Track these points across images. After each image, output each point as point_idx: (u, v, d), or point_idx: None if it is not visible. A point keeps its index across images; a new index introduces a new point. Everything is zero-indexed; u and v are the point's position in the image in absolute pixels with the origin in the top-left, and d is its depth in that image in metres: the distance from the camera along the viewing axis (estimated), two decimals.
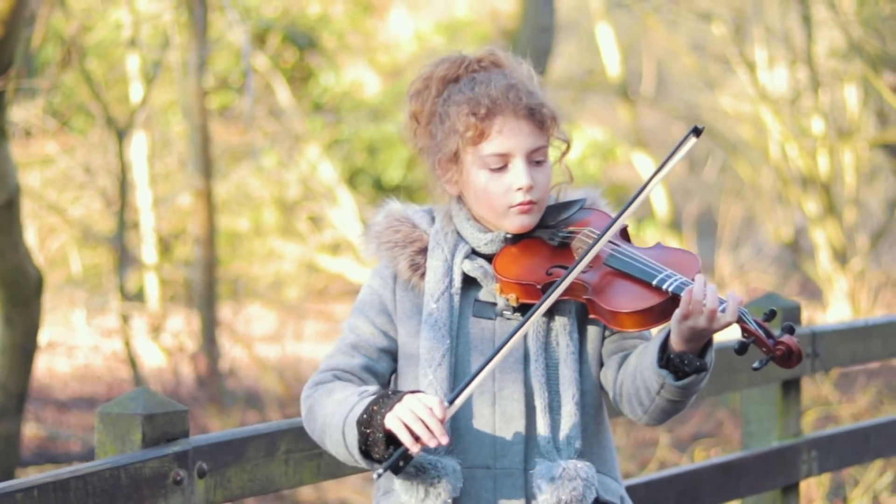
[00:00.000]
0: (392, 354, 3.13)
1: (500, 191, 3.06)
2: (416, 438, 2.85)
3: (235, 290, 15.76)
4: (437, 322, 3.06)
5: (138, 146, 14.74)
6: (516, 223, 3.08)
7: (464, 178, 3.10)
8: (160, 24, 14.32)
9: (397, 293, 3.13)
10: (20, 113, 13.50)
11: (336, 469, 3.63)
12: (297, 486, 3.61)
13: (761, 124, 14.28)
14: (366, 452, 2.94)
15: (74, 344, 14.72)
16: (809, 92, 13.86)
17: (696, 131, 2.98)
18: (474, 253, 3.12)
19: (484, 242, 3.11)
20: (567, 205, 3.15)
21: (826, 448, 5.17)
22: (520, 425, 3.03)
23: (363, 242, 3.17)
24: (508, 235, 3.11)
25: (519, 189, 3.05)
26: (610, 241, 3.05)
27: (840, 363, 5.29)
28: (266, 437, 3.53)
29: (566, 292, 3.01)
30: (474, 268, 3.09)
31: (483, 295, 3.10)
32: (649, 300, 2.96)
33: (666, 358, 2.94)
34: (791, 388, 5.05)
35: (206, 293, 13.15)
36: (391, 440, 2.89)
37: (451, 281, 3.09)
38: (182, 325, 14.16)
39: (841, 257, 13.99)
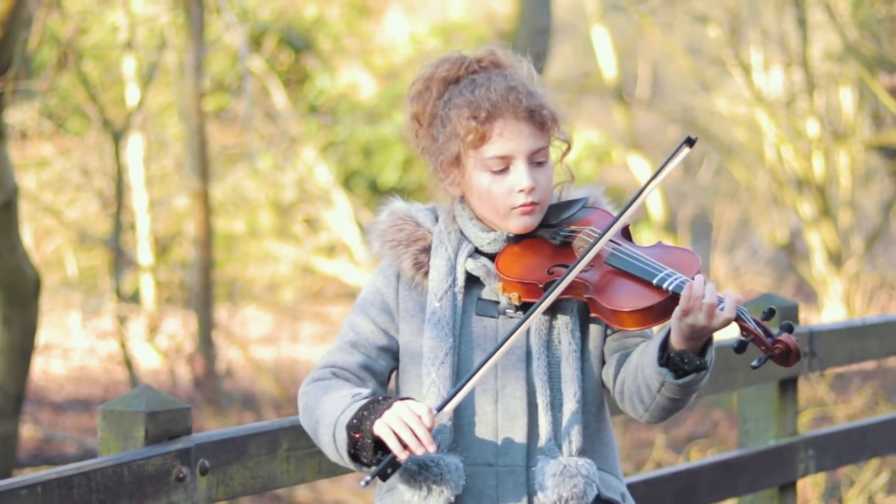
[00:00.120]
0: (392, 353, 3.15)
1: (502, 193, 3.07)
2: (405, 446, 2.87)
3: (231, 293, 15.76)
4: (440, 320, 3.07)
5: (134, 148, 14.75)
6: (519, 224, 3.10)
7: (466, 180, 3.11)
8: (156, 27, 14.32)
9: (400, 292, 3.14)
10: (16, 115, 13.51)
11: (337, 467, 3.62)
12: (298, 484, 3.63)
13: (756, 127, 14.31)
14: (355, 456, 2.97)
15: (70, 346, 14.72)
16: (805, 94, 13.89)
17: (690, 141, 3.01)
18: (477, 252, 3.14)
19: (487, 242, 3.13)
20: (569, 204, 3.17)
21: (823, 447, 5.19)
22: (522, 423, 3.05)
23: (367, 241, 3.19)
24: (511, 235, 3.13)
25: (521, 191, 3.06)
26: (611, 241, 3.06)
27: (837, 362, 5.30)
28: (268, 435, 3.54)
29: (568, 291, 3.03)
30: (477, 267, 3.11)
31: (486, 293, 3.12)
32: (650, 299, 2.98)
33: (666, 356, 2.96)
34: (788, 387, 5.07)
35: (202, 295, 13.16)
36: (380, 446, 2.92)
37: (454, 280, 3.11)
38: (178, 327, 14.17)
39: (836, 259, 14.03)
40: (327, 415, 3.01)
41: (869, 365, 12.42)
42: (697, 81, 16.10)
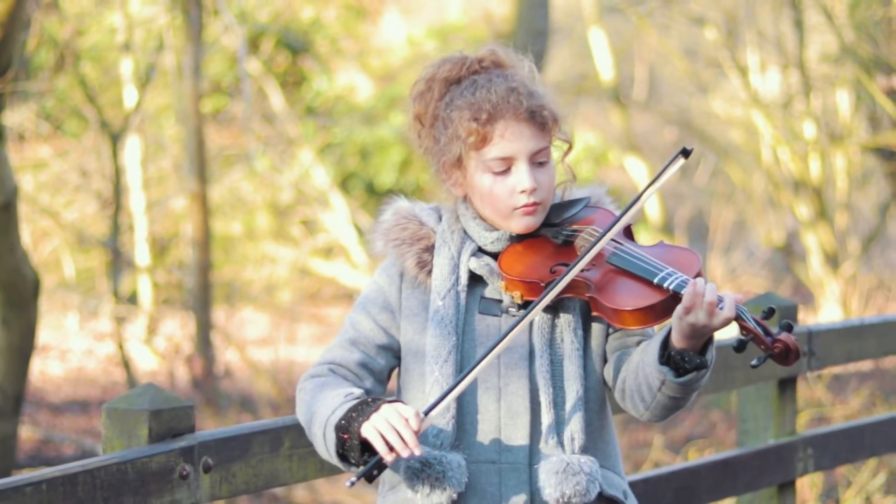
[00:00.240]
0: (392, 352, 3.17)
1: (504, 193, 3.09)
2: (391, 448, 2.90)
3: (229, 294, 15.76)
4: (443, 319, 3.09)
5: (132, 150, 14.75)
6: (521, 224, 3.11)
7: (468, 181, 3.13)
8: (154, 28, 14.33)
9: (403, 291, 3.16)
10: (14, 117, 13.51)
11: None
12: (301, 482, 3.65)
13: (753, 128, 14.33)
14: (343, 456, 2.99)
15: (68, 348, 14.72)
16: (801, 96, 13.90)
17: (685, 152, 3.03)
18: (480, 251, 3.16)
19: (490, 241, 3.14)
20: (571, 203, 3.18)
21: (822, 446, 5.20)
22: (525, 421, 3.07)
23: (371, 239, 3.21)
24: (514, 234, 3.15)
25: (522, 191, 3.08)
26: (613, 240, 3.08)
27: (836, 361, 5.32)
28: (270, 433, 3.56)
29: (569, 290, 3.05)
30: (480, 265, 3.13)
31: (489, 292, 3.14)
32: (650, 298, 3.00)
33: (667, 355, 2.98)
34: (787, 386, 5.08)
35: (200, 296, 13.16)
36: (367, 447, 2.94)
37: (457, 278, 3.13)
38: (176, 328, 14.17)
39: (832, 261, 14.04)
40: (319, 413, 3.04)
41: (866, 366, 12.44)
42: (694, 83, 16.12)
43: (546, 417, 3.06)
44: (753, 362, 2.96)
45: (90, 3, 14.80)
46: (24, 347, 8.16)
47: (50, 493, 3.09)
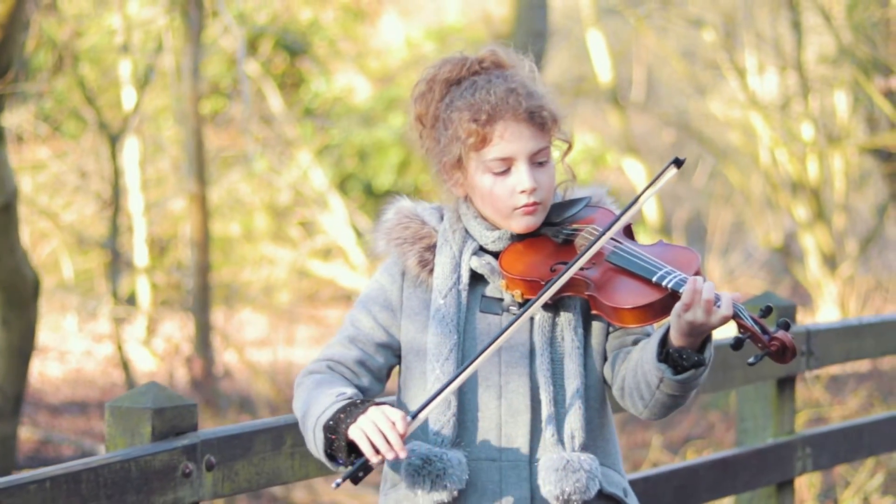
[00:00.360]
0: (391, 350, 3.19)
1: (504, 194, 3.11)
2: (377, 450, 2.92)
3: (228, 295, 15.77)
4: (444, 317, 3.11)
5: (131, 151, 14.76)
6: (521, 224, 3.13)
7: (469, 181, 3.14)
8: (153, 30, 14.34)
9: (405, 289, 3.18)
10: (13, 118, 13.52)
11: None
12: (302, 480, 3.66)
13: (751, 130, 14.35)
14: (332, 456, 3.02)
15: (66, 349, 14.73)
16: (799, 97, 13.92)
17: (678, 162, 3.06)
18: (482, 250, 3.17)
19: (491, 240, 3.16)
20: (572, 203, 3.20)
21: (820, 445, 5.21)
22: (525, 418, 3.09)
23: (373, 238, 3.23)
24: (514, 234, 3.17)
25: (522, 192, 3.10)
26: (612, 239, 3.10)
27: (834, 361, 5.33)
28: (273, 431, 3.58)
29: (569, 288, 3.07)
30: (481, 264, 3.14)
31: (490, 291, 3.16)
32: (649, 296, 3.01)
33: (666, 353, 2.99)
34: (786, 385, 5.10)
35: (199, 297, 13.17)
36: (354, 449, 2.96)
37: (458, 277, 3.15)
38: (175, 330, 14.18)
39: (830, 262, 14.06)
40: (311, 411, 3.06)
41: (864, 367, 12.46)
42: (692, 85, 16.14)
43: (546, 415, 3.08)
44: (751, 360, 2.97)
45: (89, 4, 14.81)
46: (23, 348, 8.18)
47: (54, 490, 3.11)
